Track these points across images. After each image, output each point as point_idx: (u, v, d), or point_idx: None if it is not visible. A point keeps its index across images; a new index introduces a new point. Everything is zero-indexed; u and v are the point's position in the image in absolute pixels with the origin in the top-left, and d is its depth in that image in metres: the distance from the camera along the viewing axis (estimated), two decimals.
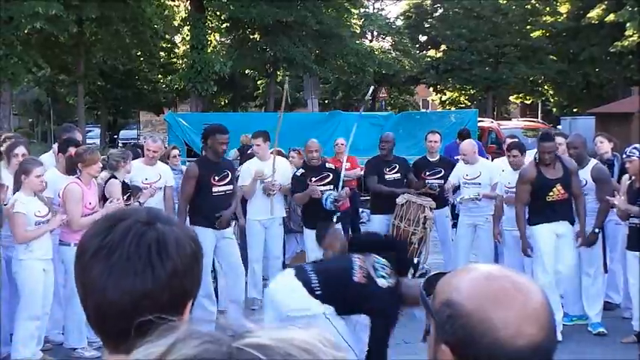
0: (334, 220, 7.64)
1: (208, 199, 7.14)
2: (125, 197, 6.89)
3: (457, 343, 1.17)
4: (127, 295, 1.14)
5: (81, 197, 6.35)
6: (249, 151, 9.76)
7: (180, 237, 1.21)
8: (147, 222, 1.19)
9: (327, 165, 8.34)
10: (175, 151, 9.62)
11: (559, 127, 28.97)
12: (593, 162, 7.26)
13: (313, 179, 7.93)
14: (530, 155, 8.57)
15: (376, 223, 8.67)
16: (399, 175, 8.70)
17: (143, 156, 8.33)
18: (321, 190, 7.82)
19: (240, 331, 0.84)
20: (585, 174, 7.13)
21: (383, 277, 4.87)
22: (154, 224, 1.19)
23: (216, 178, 7.23)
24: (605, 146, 7.98)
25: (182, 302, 1.22)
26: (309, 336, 0.83)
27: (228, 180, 7.35)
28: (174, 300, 1.19)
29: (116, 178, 6.95)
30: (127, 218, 1.20)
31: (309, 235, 7.98)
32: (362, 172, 9.96)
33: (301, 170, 8.18)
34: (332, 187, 7.95)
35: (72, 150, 6.79)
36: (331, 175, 8.05)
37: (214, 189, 7.22)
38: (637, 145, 6.91)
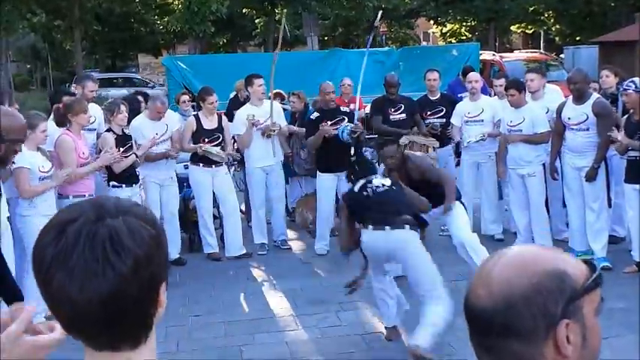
0: (351, 154, 7.62)
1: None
2: (124, 148, 6.90)
3: None
4: (95, 299, 1.12)
5: (73, 147, 6.42)
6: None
7: (134, 225, 1.16)
8: (96, 219, 1.15)
9: (341, 109, 8.24)
10: (185, 97, 9.59)
11: (562, 56, 28.66)
12: (595, 96, 7.13)
13: (328, 123, 7.86)
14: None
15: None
16: (404, 115, 8.54)
17: (146, 103, 8.18)
18: (335, 127, 7.77)
19: None
20: (586, 108, 7.01)
21: None
22: (104, 220, 1.15)
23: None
24: (610, 81, 7.89)
25: (155, 287, 1.19)
26: None
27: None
28: (145, 288, 1.16)
29: (111, 130, 6.99)
30: (74, 220, 1.15)
31: (323, 178, 8.00)
32: (366, 112, 9.79)
33: (316, 114, 8.12)
34: None
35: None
36: (346, 119, 7.95)
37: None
38: (634, 79, 6.84)
